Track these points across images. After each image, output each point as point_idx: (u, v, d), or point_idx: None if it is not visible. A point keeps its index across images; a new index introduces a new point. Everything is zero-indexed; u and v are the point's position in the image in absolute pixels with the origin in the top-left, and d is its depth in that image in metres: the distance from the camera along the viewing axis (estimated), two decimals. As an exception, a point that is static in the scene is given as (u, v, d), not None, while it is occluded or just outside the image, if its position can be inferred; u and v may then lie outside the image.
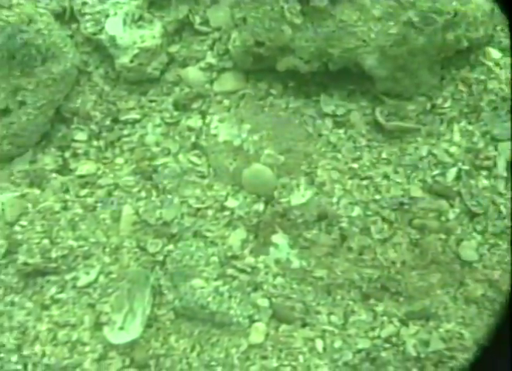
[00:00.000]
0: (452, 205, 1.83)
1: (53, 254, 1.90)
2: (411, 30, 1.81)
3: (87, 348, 1.84)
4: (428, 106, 1.94)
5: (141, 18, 2.06)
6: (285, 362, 1.77)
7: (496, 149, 1.86)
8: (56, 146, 2.07)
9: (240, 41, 1.96)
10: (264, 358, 1.79)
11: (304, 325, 1.82)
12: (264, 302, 1.84)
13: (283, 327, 1.82)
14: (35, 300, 1.89)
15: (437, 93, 1.95)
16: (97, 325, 1.86)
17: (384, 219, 1.84)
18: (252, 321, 1.82)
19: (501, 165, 1.83)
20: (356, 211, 1.86)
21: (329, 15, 1.85)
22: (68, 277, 1.91)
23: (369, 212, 1.85)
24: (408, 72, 1.90)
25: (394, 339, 1.76)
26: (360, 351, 1.76)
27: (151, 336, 1.84)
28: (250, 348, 1.80)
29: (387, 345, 1.76)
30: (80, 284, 1.90)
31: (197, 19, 2.10)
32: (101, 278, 1.91)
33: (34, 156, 2.05)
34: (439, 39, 1.83)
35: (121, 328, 1.83)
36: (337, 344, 1.78)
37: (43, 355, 1.82)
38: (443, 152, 1.87)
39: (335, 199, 1.87)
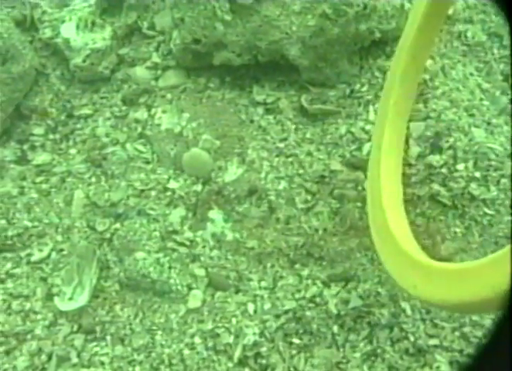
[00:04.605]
0: (367, 176, 2.00)
1: (9, 233, 2.08)
2: (326, 22, 2.02)
3: (39, 317, 1.98)
4: (348, 91, 2.14)
5: (93, 23, 2.28)
6: (220, 325, 1.91)
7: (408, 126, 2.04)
8: (15, 140, 2.26)
9: (179, 39, 2.18)
10: (201, 322, 1.93)
11: (237, 291, 1.96)
12: (201, 272, 1.99)
13: (218, 294, 1.96)
14: (-9, 275, 2.03)
15: (356, 81, 2.15)
16: (49, 296, 2.00)
17: (307, 191, 2.02)
18: (190, 288, 1.97)
19: (411, 139, 2.01)
20: (282, 184, 2.03)
21: (254, 11, 2.06)
22: (23, 253, 2.07)
23: (293, 185, 2.03)
24: (329, 62, 2.11)
25: (317, 299, 1.90)
26: (287, 311, 1.90)
27: (97, 305, 1.99)
28: (187, 313, 1.94)
29: (311, 305, 1.90)
30: (33, 259, 2.06)
31: (145, 24, 2.33)
32: (53, 255, 2.07)
33: (-6, 150, 2.23)
34: (353, 29, 2.04)
35: (71, 299, 1.99)
36: (266, 306, 1.92)
37: (-2, 323, 1.95)
38: (360, 130, 2.06)
39: (263, 175, 2.05)
